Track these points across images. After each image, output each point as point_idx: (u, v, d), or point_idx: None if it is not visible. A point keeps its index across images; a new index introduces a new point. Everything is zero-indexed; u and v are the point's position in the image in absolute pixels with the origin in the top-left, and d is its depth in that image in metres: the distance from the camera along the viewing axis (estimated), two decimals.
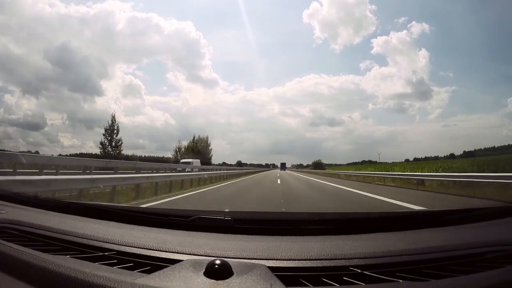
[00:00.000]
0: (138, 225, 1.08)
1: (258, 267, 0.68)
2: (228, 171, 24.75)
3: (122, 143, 33.26)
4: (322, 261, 0.73)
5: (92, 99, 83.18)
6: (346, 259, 0.74)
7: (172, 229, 1.03)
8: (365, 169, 36.86)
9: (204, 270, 0.65)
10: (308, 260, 0.74)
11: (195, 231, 1.00)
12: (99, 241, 0.88)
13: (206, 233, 0.97)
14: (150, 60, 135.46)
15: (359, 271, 0.70)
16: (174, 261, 0.74)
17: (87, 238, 0.90)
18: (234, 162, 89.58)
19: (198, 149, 45.98)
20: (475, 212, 1.17)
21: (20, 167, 8.23)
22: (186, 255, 0.78)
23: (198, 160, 34.06)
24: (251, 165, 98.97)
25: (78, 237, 0.92)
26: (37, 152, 29.54)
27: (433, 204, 6.44)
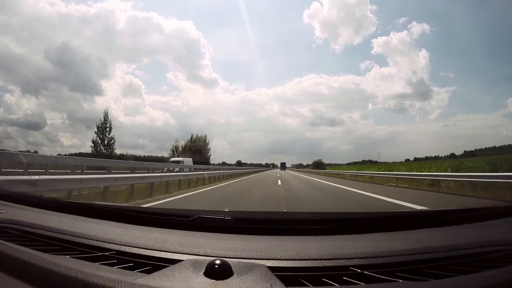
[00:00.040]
0: (138, 225, 1.08)
1: (258, 267, 0.68)
2: (225, 171, 23.18)
3: (115, 141, 31.41)
4: (322, 261, 0.73)
5: (92, 99, 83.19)
6: (346, 259, 0.74)
7: (172, 229, 1.03)
8: (368, 169, 35.72)
9: (204, 270, 0.65)
10: (308, 260, 0.74)
11: (195, 231, 1.00)
12: (99, 241, 0.88)
13: (206, 233, 0.97)
14: (150, 59, 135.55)
15: (359, 271, 0.70)
16: (174, 261, 0.73)
17: (87, 238, 0.90)
18: (234, 162, 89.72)
19: (196, 148, 44.53)
20: (475, 212, 1.17)
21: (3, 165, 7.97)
22: (186, 255, 0.78)
23: (190, 159, 32.59)
24: (251, 164, 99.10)
25: (78, 237, 0.92)
26: (36, 152, 28.94)
27: None
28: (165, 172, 15.78)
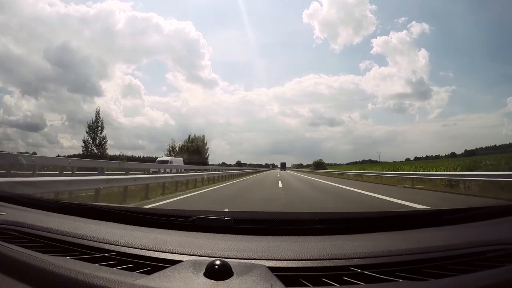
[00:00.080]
0: (138, 225, 1.08)
1: (258, 267, 0.68)
2: (222, 172, 21.28)
3: (106, 141, 30.14)
4: (322, 261, 0.73)
5: (91, 100, 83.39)
6: (346, 259, 0.74)
7: (172, 229, 1.03)
8: (371, 168, 34.93)
9: (204, 270, 0.65)
10: (308, 260, 0.74)
11: (195, 231, 1.00)
12: (99, 242, 0.88)
13: (206, 234, 0.97)
14: (150, 60, 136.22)
15: (359, 271, 0.70)
16: (174, 262, 0.73)
17: (87, 239, 0.90)
18: (233, 162, 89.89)
19: (194, 149, 43.14)
20: (475, 211, 1.17)
21: None
22: (186, 255, 0.78)
23: (181, 159, 30.62)
24: (250, 165, 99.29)
25: (78, 238, 0.92)
26: (34, 153, 28.45)
27: None
28: (150, 174, 13.77)
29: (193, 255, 0.78)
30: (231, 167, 49.78)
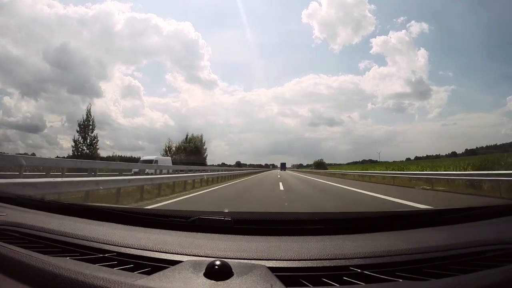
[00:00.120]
0: (138, 226, 1.08)
1: (258, 267, 0.68)
2: (218, 172, 20.06)
3: (97, 140, 28.89)
4: (322, 261, 0.73)
5: (91, 101, 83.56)
6: (346, 259, 0.74)
7: (172, 230, 1.03)
8: (374, 168, 34.18)
9: (204, 271, 0.65)
10: (308, 260, 0.74)
11: (195, 232, 1.00)
12: (99, 242, 0.88)
13: (206, 234, 0.97)
14: (149, 61, 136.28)
15: (359, 271, 0.70)
16: (174, 262, 0.73)
17: (87, 240, 0.90)
18: (233, 163, 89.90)
19: (191, 149, 41.98)
20: (475, 211, 1.17)
21: None
22: (186, 256, 0.78)
23: (168, 158, 28.98)
24: (250, 165, 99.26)
25: (78, 238, 0.92)
26: (33, 154, 27.40)
27: None
28: (131, 175, 12.39)
29: (193, 255, 0.78)
30: (230, 168, 49.53)
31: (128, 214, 1.22)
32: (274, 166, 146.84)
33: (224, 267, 0.65)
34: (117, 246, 0.86)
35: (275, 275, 0.66)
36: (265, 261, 0.73)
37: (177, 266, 0.70)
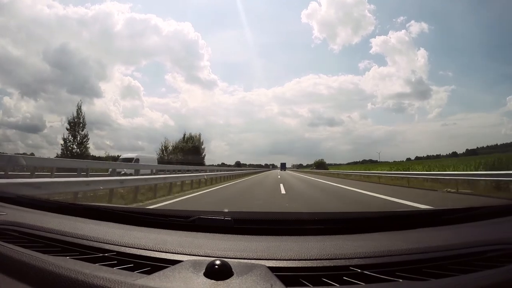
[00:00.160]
0: (137, 226, 1.08)
1: (258, 267, 0.68)
2: (215, 172, 18.53)
3: (88, 138, 27.06)
4: (322, 261, 0.73)
5: (91, 101, 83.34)
6: (346, 259, 0.74)
7: (172, 229, 1.03)
8: (376, 168, 33.39)
9: (204, 270, 0.65)
10: (308, 260, 0.73)
11: (195, 231, 1.00)
12: (99, 242, 0.88)
13: (206, 234, 0.97)
14: (149, 61, 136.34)
15: (359, 271, 0.70)
16: (174, 262, 0.73)
17: (87, 239, 0.90)
18: (233, 163, 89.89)
19: (189, 148, 40.64)
20: (475, 211, 1.17)
21: None
22: (186, 255, 0.78)
23: (153, 157, 26.58)
24: (250, 165, 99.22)
25: (78, 238, 0.92)
26: (32, 154, 26.59)
27: None
28: (108, 176, 11.23)
29: (193, 255, 0.78)
30: (230, 168, 49.42)
31: (128, 214, 1.22)
32: (274, 166, 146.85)
33: (224, 267, 0.65)
34: (117, 245, 0.86)
35: (275, 275, 0.66)
36: (265, 261, 0.73)
37: (177, 265, 0.70)
